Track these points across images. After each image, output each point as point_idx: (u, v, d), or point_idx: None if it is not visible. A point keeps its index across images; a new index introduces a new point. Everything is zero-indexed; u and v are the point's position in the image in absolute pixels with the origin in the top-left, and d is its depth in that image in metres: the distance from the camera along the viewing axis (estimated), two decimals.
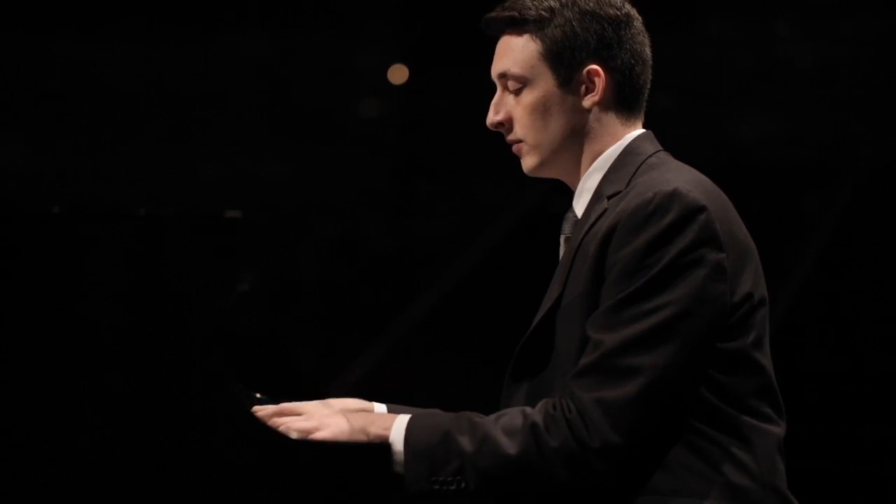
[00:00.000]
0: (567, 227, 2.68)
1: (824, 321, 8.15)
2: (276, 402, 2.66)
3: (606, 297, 2.46)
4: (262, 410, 2.57)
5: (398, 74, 10.27)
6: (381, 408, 2.70)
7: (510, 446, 2.43)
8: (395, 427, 2.49)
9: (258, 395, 2.65)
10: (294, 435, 2.47)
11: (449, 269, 9.40)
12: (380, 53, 10.27)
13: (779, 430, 2.54)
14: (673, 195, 2.46)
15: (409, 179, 10.12)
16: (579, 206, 2.66)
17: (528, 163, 2.67)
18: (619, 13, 2.65)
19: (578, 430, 2.41)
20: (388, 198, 10.11)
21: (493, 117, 2.69)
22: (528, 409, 2.47)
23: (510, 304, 8.50)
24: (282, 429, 2.50)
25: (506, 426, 2.45)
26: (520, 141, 2.67)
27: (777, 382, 2.58)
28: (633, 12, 2.68)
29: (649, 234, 2.44)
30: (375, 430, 2.50)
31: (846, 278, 8.53)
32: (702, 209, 2.46)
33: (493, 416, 2.48)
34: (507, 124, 2.68)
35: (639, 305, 2.43)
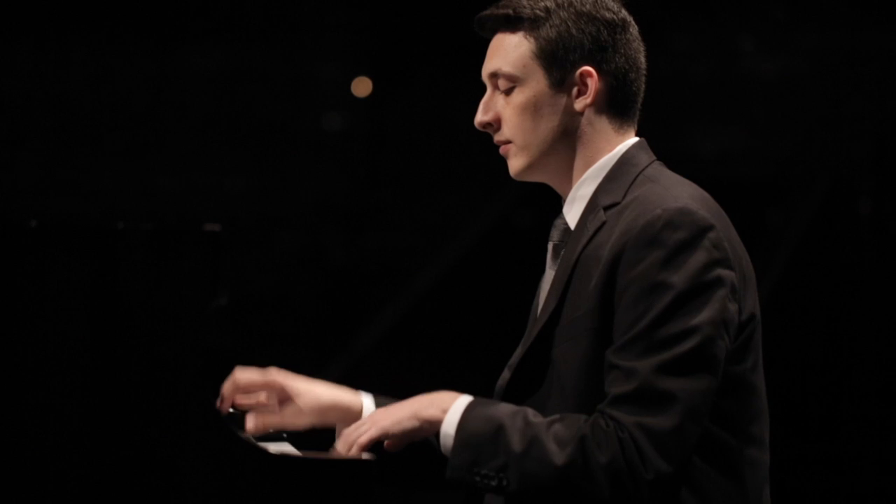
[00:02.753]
0: (556, 234, 2.65)
1: (788, 336, 8.22)
2: (244, 417, 2.67)
3: (625, 320, 2.43)
4: (247, 373, 2.59)
5: (362, 87, 10.30)
6: (367, 398, 2.69)
7: (557, 455, 2.39)
8: (453, 409, 2.46)
9: (231, 410, 2.66)
10: (349, 450, 2.47)
11: (412, 283, 9.42)
12: (343, 66, 10.29)
13: (767, 458, 2.54)
14: (682, 212, 2.44)
15: (373, 192, 10.14)
16: (571, 214, 2.62)
17: (515, 165, 2.64)
18: (615, 17, 2.64)
19: (630, 451, 2.37)
20: (350, 211, 10.13)
21: (481, 117, 2.65)
22: (584, 419, 2.43)
23: (475, 318, 8.56)
24: (354, 443, 2.49)
25: (558, 433, 2.41)
26: (508, 142, 2.64)
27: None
28: (630, 18, 2.67)
29: (662, 252, 2.42)
30: (432, 411, 2.48)
31: (810, 293, 8.59)
32: (711, 227, 2.45)
33: (549, 419, 2.45)
34: (496, 124, 2.64)
35: (668, 330, 2.39)
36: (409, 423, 2.48)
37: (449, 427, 2.46)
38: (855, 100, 9.73)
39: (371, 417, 2.54)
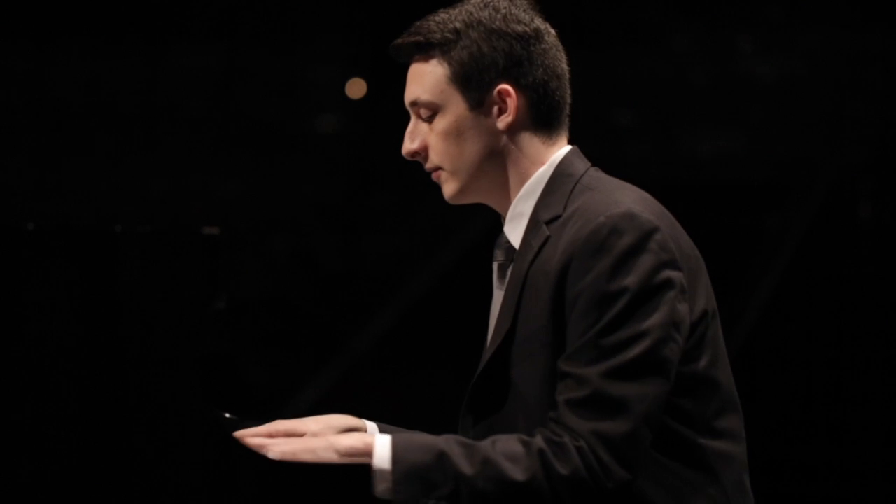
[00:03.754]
0: (500, 254, 2.64)
1: (788, 341, 8.24)
2: (243, 422, 2.68)
3: (576, 330, 2.43)
4: (250, 431, 2.54)
5: (356, 89, 10.32)
6: (371, 426, 2.66)
7: (515, 471, 2.38)
8: (379, 445, 2.43)
9: (227, 416, 2.68)
10: (274, 455, 2.43)
11: (408, 287, 9.43)
12: (337, 67, 10.31)
13: (742, 447, 2.55)
14: (625, 216, 2.45)
15: (368, 195, 10.16)
16: (513, 232, 2.61)
17: (447, 190, 2.63)
18: (527, 29, 2.59)
19: (589, 460, 2.38)
20: (345, 214, 10.14)
21: (408, 146, 2.63)
22: (525, 437, 2.43)
23: (469, 324, 8.56)
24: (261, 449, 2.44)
25: (506, 451, 2.41)
26: (438, 168, 2.62)
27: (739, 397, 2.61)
28: (545, 26, 2.63)
29: (609, 259, 2.42)
30: (351, 442, 2.44)
31: (809, 298, 8.62)
32: (656, 229, 2.45)
33: (487, 441, 2.44)
34: (423, 153, 2.62)
35: (618, 335, 2.40)
36: (326, 455, 2.44)
37: (381, 462, 2.42)
38: (855, 102, 9.75)
39: (286, 441, 2.49)
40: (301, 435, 2.62)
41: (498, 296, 2.65)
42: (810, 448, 7.57)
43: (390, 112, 10.16)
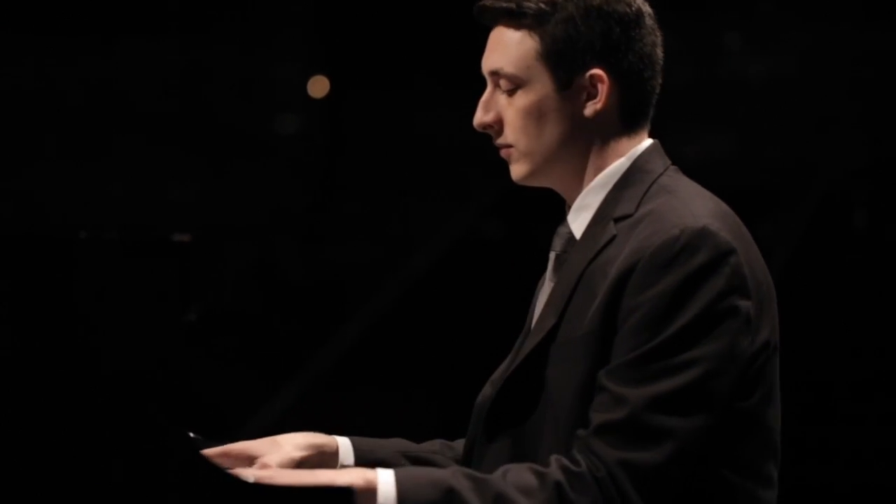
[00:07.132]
0: (558, 244, 2.60)
1: (780, 352, 8.27)
2: (207, 441, 2.66)
3: (626, 344, 2.39)
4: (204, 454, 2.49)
5: (319, 87, 10.33)
6: (343, 441, 2.66)
7: None
8: (382, 482, 2.39)
9: (191, 435, 2.66)
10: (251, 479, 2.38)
11: (374, 298, 9.44)
12: (299, 64, 10.32)
13: (773, 493, 2.52)
14: (703, 234, 2.40)
15: (331, 200, 10.16)
16: (576, 223, 2.57)
17: (517, 171, 2.58)
18: (628, 10, 2.53)
19: (609, 492, 2.35)
20: (307, 220, 10.14)
21: (481, 117, 2.58)
22: (539, 467, 2.39)
23: (439, 336, 8.59)
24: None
25: (519, 484, 2.37)
26: (510, 146, 2.58)
27: None
28: (645, 7, 2.57)
29: (677, 277, 2.38)
30: (352, 479, 2.38)
31: (802, 309, 8.66)
32: (732, 251, 2.41)
33: (497, 473, 2.40)
34: (497, 126, 2.58)
35: (668, 359, 2.36)
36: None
37: (387, 500, 2.38)
38: (850, 103, 9.80)
39: (279, 472, 2.47)
40: (256, 457, 2.61)
41: (549, 287, 2.60)
42: (805, 461, 7.60)
43: (355, 111, 10.17)
